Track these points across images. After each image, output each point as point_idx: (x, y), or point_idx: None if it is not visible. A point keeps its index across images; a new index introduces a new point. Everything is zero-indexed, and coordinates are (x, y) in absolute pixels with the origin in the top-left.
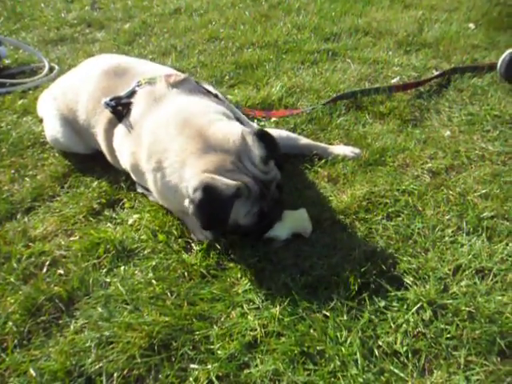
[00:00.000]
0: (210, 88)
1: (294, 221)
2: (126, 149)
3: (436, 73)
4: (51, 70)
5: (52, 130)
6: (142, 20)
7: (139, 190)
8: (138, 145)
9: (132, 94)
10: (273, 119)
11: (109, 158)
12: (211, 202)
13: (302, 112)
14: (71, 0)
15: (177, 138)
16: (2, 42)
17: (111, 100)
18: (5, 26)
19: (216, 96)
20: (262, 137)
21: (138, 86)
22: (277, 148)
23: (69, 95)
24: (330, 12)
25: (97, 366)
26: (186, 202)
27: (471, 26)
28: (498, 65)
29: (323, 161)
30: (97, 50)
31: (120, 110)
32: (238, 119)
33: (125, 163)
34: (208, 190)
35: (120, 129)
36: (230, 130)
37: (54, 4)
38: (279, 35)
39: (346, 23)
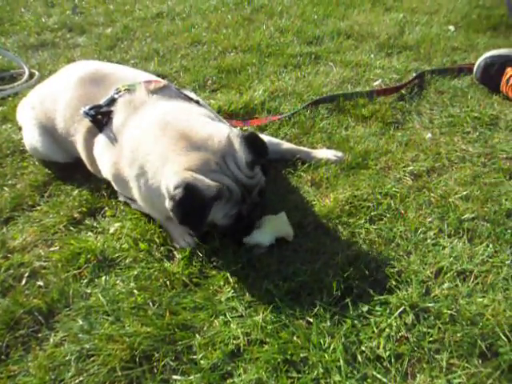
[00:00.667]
0: (192, 94)
1: (276, 225)
2: (108, 159)
3: (414, 75)
4: (31, 76)
5: (31, 139)
6: (123, 24)
7: (121, 198)
8: (120, 154)
9: (111, 102)
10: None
11: (89, 167)
12: (191, 201)
13: (280, 118)
14: (52, 5)
15: (159, 139)
16: None
17: (90, 109)
18: None
19: (197, 102)
20: (251, 140)
21: (117, 93)
22: (266, 153)
23: (46, 103)
24: (313, 15)
25: (77, 380)
26: (167, 202)
27: (451, 28)
28: (474, 69)
29: (306, 165)
30: (78, 56)
31: (100, 119)
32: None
33: (106, 173)
34: (189, 189)
35: (100, 138)
36: (216, 131)
37: (34, 8)
38: (262, 39)
39: (329, 26)
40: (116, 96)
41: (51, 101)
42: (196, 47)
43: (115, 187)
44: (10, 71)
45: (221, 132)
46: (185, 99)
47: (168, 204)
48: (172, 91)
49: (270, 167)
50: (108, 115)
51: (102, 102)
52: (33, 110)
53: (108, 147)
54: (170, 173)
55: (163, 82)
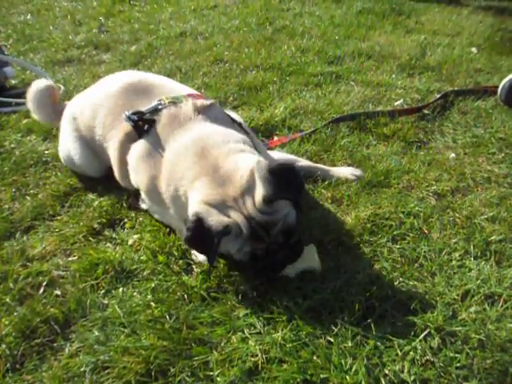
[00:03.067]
0: (234, 115)
1: (304, 258)
2: (145, 169)
3: (437, 96)
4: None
5: (67, 149)
6: (148, 42)
7: (143, 206)
8: (159, 170)
9: (155, 111)
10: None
11: (116, 172)
12: (199, 233)
13: (301, 136)
14: (79, 23)
15: (192, 166)
16: (9, 62)
17: (133, 114)
18: (13, 48)
19: (240, 125)
20: (278, 173)
21: (161, 104)
22: (298, 186)
23: (86, 112)
24: (334, 36)
25: None
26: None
27: (474, 50)
28: (499, 91)
29: (326, 182)
30: (103, 72)
31: (141, 125)
32: (257, 149)
33: (139, 182)
34: (198, 222)
35: (140, 145)
36: (243, 164)
37: (62, 26)
38: (283, 58)
39: (350, 47)
40: (160, 106)
41: (92, 109)
42: (218, 65)
43: (144, 196)
44: None
45: (247, 165)
46: (227, 121)
47: (183, 232)
48: (217, 112)
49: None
50: (150, 123)
51: (144, 109)
52: (74, 120)
53: (147, 157)
54: (192, 202)
55: (210, 100)
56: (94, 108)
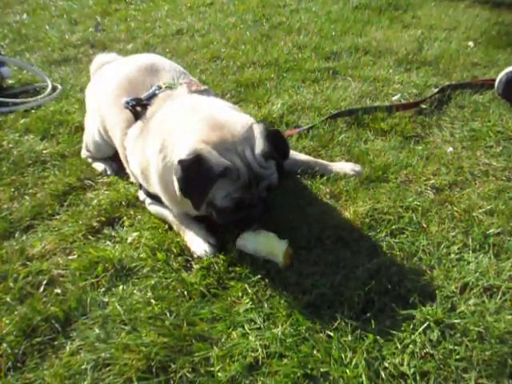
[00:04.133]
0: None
1: (270, 244)
2: (138, 147)
3: (435, 90)
4: (54, 89)
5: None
6: (144, 41)
7: (141, 197)
8: (146, 137)
9: (152, 96)
10: None
11: (121, 155)
12: (197, 171)
13: (299, 131)
14: (75, 22)
15: (185, 118)
16: (6, 62)
17: (132, 100)
18: (10, 48)
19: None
20: (273, 136)
21: (158, 89)
22: (285, 152)
23: (101, 82)
24: (331, 32)
25: None
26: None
27: (470, 44)
28: (496, 85)
29: (325, 177)
30: None
31: (139, 110)
32: None
33: (134, 165)
34: (198, 159)
35: (134, 128)
36: (242, 119)
37: (58, 26)
38: (280, 54)
39: (346, 42)
40: (157, 92)
41: (105, 79)
42: (215, 62)
43: (139, 179)
44: (33, 85)
45: (245, 120)
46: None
47: (176, 171)
48: (212, 94)
49: (288, 179)
50: (146, 107)
51: (143, 96)
52: (93, 98)
53: (140, 136)
54: (186, 143)
55: (205, 86)
56: (108, 78)
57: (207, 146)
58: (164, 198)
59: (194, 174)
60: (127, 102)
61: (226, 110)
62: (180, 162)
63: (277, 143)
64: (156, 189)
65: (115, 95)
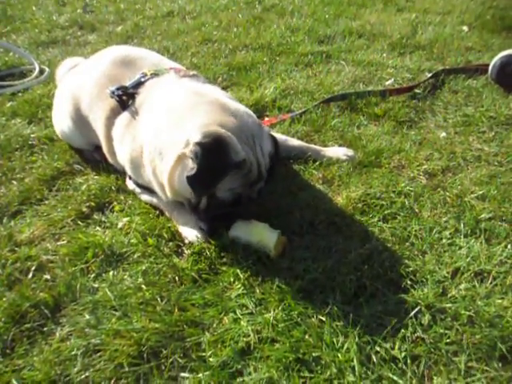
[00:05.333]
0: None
1: (261, 234)
2: (128, 136)
3: (428, 75)
4: (41, 72)
5: (59, 121)
6: (134, 23)
7: (130, 186)
8: (138, 126)
9: (138, 84)
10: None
11: (105, 148)
12: (216, 155)
13: (292, 116)
14: (63, 3)
15: (189, 101)
16: None
17: (117, 89)
18: None
19: None
20: (274, 140)
21: (144, 77)
22: (278, 154)
23: (75, 83)
24: (324, 15)
25: (83, 376)
26: (188, 148)
27: (465, 28)
28: (490, 70)
29: (317, 163)
30: (88, 52)
31: (125, 99)
32: None
33: (123, 155)
34: (219, 142)
35: (122, 117)
36: (251, 113)
37: (45, 7)
38: (273, 37)
39: (340, 26)
40: (143, 79)
41: (80, 80)
42: (206, 45)
43: (128, 170)
44: (20, 67)
45: (254, 116)
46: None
47: (190, 152)
48: (201, 79)
49: (281, 165)
50: (133, 96)
51: (128, 84)
52: (66, 92)
53: (129, 125)
54: (197, 126)
55: (193, 71)
56: (83, 78)
57: (227, 131)
58: (156, 186)
59: (212, 159)
60: (112, 92)
61: (232, 99)
62: (199, 144)
63: (276, 147)
64: (149, 176)
65: (94, 94)
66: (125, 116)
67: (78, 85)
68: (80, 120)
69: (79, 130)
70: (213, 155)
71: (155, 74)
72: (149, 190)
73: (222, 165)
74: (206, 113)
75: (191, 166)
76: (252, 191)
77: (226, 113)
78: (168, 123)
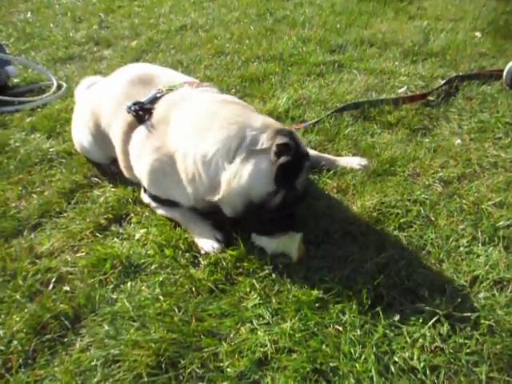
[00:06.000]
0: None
1: (286, 241)
2: (147, 149)
3: (442, 82)
4: (59, 87)
5: (78, 136)
6: (148, 37)
7: (146, 199)
8: (164, 136)
9: (154, 100)
10: None
11: (121, 162)
12: (299, 147)
13: (305, 126)
14: (79, 20)
15: (226, 106)
16: (11, 61)
17: (134, 104)
18: (15, 46)
19: None
20: None
21: (159, 92)
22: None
23: (95, 101)
24: (335, 24)
25: None
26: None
27: (478, 34)
28: (504, 75)
29: (331, 172)
30: (104, 68)
31: (141, 114)
32: None
33: (141, 167)
34: (295, 136)
35: (139, 130)
36: (277, 124)
37: (62, 24)
38: (284, 48)
39: (351, 35)
40: (158, 95)
41: (100, 97)
42: (219, 58)
43: (146, 182)
44: (39, 83)
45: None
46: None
47: (272, 152)
48: (215, 91)
49: None
50: (150, 111)
51: (144, 99)
52: (85, 108)
53: (148, 137)
54: (260, 124)
55: (207, 83)
56: (102, 97)
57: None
58: (187, 194)
59: (295, 157)
60: (129, 107)
61: (254, 111)
62: (279, 145)
63: None
64: (183, 183)
65: (113, 111)
66: (142, 129)
67: (98, 103)
68: (100, 135)
69: (98, 146)
70: (297, 146)
71: (170, 90)
72: (165, 202)
73: (303, 155)
74: (252, 115)
75: (272, 160)
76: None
77: (266, 117)
78: (211, 129)
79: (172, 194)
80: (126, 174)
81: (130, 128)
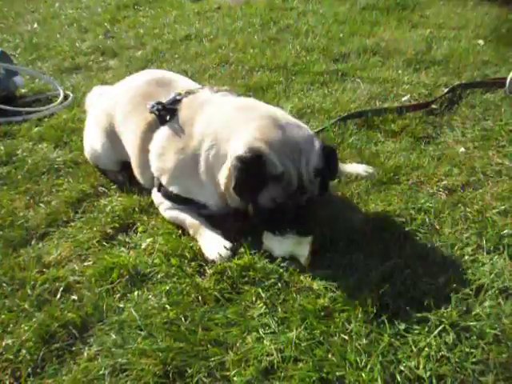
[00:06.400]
0: None
1: (295, 244)
2: (173, 147)
3: (445, 90)
4: (66, 97)
5: (90, 142)
6: (153, 47)
7: (157, 199)
8: (189, 139)
9: (174, 102)
10: None
11: (134, 161)
12: (253, 171)
13: None
14: (85, 30)
15: (239, 114)
16: (18, 71)
17: (157, 104)
18: (22, 57)
19: None
20: (329, 155)
21: (179, 95)
22: (334, 172)
23: (109, 102)
24: (338, 33)
25: None
26: (230, 161)
27: (480, 42)
28: (507, 83)
29: (336, 180)
30: (110, 78)
31: (164, 114)
32: None
33: (164, 164)
34: (257, 158)
35: (163, 131)
36: (302, 127)
37: (68, 34)
38: (288, 57)
39: (355, 44)
40: (178, 97)
41: (114, 99)
42: (223, 67)
43: (166, 179)
44: (45, 93)
45: (306, 131)
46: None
47: (232, 164)
48: (235, 95)
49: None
50: (172, 112)
51: (164, 101)
52: (98, 112)
53: (173, 138)
54: (245, 136)
55: (225, 87)
56: (116, 97)
57: (267, 145)
58: (207, 190)
59: (249, 172)
60: (152, 106)
61: (283, 113)
62: (238, 158)
63: (330, 162)
64: (203, 183)
65: (128, 110)
66: (166, 129)
67: (113, 103)
68: (114, 134)
69: (112, 147)
70: (249, 168)
71: (189, 93)
72: (183, 202)
73: (260, 177)
74: (255, 128)
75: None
76: (300, 200)
77: (275, 127)
78: (221, 138)
79: (195, 194)
80: (136, 173)
81: (150, 127)
